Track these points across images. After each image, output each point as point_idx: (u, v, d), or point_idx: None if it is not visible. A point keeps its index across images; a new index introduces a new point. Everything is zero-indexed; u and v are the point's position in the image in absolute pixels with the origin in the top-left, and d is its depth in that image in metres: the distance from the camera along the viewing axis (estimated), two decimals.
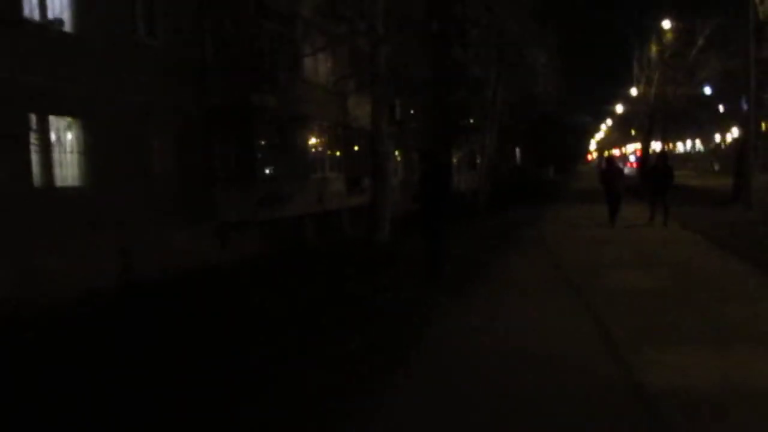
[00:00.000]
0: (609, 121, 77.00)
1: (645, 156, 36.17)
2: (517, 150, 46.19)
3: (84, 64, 10.50)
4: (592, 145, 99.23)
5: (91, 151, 10.81)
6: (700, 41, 30.51)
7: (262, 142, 13.91)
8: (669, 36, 32.13)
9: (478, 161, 25.93)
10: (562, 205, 23.85)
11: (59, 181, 10.41)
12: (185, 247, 12.79)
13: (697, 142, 67.78)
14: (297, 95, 14.63)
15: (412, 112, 27.55)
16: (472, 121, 30.97)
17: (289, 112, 14.47)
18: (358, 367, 4.84)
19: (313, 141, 16.33)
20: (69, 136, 10.71)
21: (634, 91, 40.81)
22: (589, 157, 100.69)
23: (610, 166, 15.58)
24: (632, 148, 77.43)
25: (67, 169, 10.59)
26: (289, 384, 4.55)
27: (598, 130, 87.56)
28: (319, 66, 15.11)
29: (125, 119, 11.45)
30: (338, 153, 17.99)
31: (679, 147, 72.44)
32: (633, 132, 74.17)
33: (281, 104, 14.22)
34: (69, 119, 10.61)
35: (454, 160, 31.86)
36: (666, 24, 31.48)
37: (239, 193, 13.64)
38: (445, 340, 5.67)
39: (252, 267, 12.32)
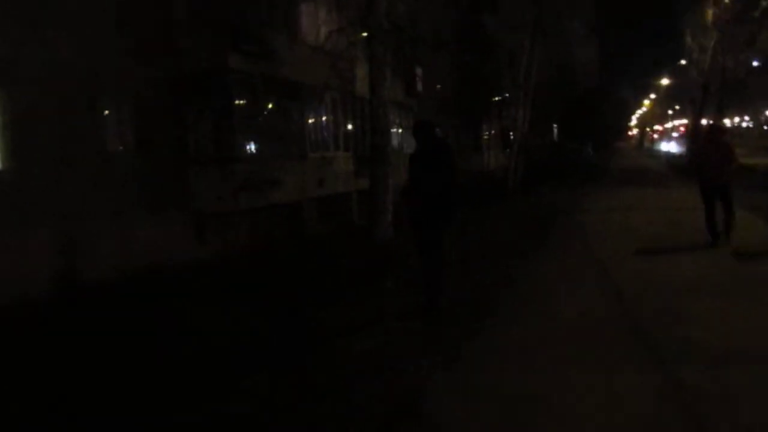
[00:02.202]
0: (652, 95, 72.72)
1: (695, 132, 32.73)
2: (554, 126, 43.08)
3: (4, 13, 8.34)
4: (633, 121, 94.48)
5: (17, 125, 8.67)
6: (765, 3, 27.13)
7: (245, 116, 11.59)
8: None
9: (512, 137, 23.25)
10: (604, 187, 21.06)
11: None
12: (150, 241, 10.66)
13: (746, 117, 63.07)
14: (290, 58, 12.25)
15: (439, 86, 24.95)
16: (507, 95, 28.24)
17: (279, 79, 12.12)
18: None
19: (312, 114, 13.94)
20: None
21: (683, 62, 37.46)
22: (630, 133, 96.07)
23: (710, 143, 8.72)
24: (674, 125, 73.09)
25: None
26: None
27: (640, 105, 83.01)
28: (319, 24, 12.66)
29: (65, 86, 9.27)
30: (344, 128, 15.59)
31: (726, 122, 67.87)
32: (677, 107, 69.92)
33: (269, 69, 11.88)
34: None
35: (485, 136, 29.11)
36: None
37: (217, 178, 11.41)
38: None
39: (220, 268, 10.15)
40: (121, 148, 10.43)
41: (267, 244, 12.57)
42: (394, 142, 18.19)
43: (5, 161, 8.64)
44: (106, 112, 10.23)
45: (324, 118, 14.50)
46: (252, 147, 11.88)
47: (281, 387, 4.17)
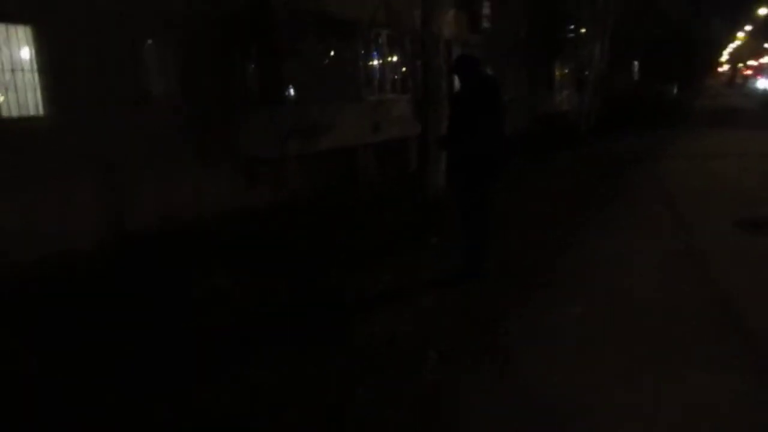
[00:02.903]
0: (747, 27, 66.41)
1: None
2: (635, 64, 40.02)
3: None
4: (725, 57, 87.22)
5: (55, 67, 8.34)
6: None
7: (294, 57, 10.89)
8: None
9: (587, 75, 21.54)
10: (690, 130, 19.23)
11: (13, 110, 8.09)
12: (198, 190, 10.37)
13: None
14: None
15: (508, 22, 23.24)
16: (583, 30, 26.10)
17: (330, 15, 11.28)
18: None
19: (367, 55, 13.07)
20: (25, 51, 8.27)
21: None
22: (720, 69, 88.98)
23: None
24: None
25: (24, 93, 8.23)
26: None
27: (732, 39, 76.21)
28: None
29: (104, 25, 8.83)
30: (404, 69, 14.65)
31: None
32: None
33: (319, 5, 11.04)
34: (21, 27, 8.13)
35: (558, 74, 27.19)
36: None
37: (266, 122, 10.87)
38: None
39: (267, 218, 9.72)
40: (163, 93, 9.99)
41: (319, 191, 12.09)
42: (456, 83, 17.12)
43: (45, 107, 8.36)
44: (150, 53, 9.77)
45: (380, 59, 13.60)
46: (302, 90, 11.21)
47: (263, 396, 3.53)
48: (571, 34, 25.96)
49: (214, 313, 4.77)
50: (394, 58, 14.13)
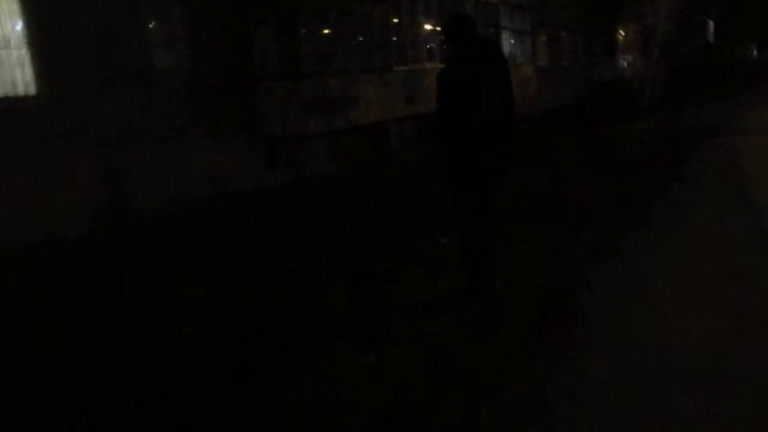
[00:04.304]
0: None
1: None
2: (710, 24, 36.84)
3: None
4: None
5: (45, 40, 7.68)
6: None
7: (314, 25, 9.91)
8: None
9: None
10: None
11: (1, 90, 7.49)
12: (211, 168, 9.66)
13: None
14: None
15: None
16: None
17: None
18: None
19: (397, 20, 11.93)
20: (12, 24, 7.61)
21: None
22: None
23: None
24: None
25: (13, 71, 7.60)
26: None
27: None
28: None
29: None
30: (438, 37, 13.41)
31: None
32: None
33: None
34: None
35: (620, 37, 25.01)
36: None
37: (283, 96, 10.00)
38: None
39: (285, 199, 8.93)
40: (171, 66, 9.23)
41: (346, 171, 11.21)
42: (505, 50, 15.70)
43: (37, 85, 7.73)
44: (153, 23, 9.00)
45: (413, 25, 12.42)
46: (324, 61, 10.23)
47: None
48: None
49: (166, 331, 4.00)
50: (427, 24, 12.91)
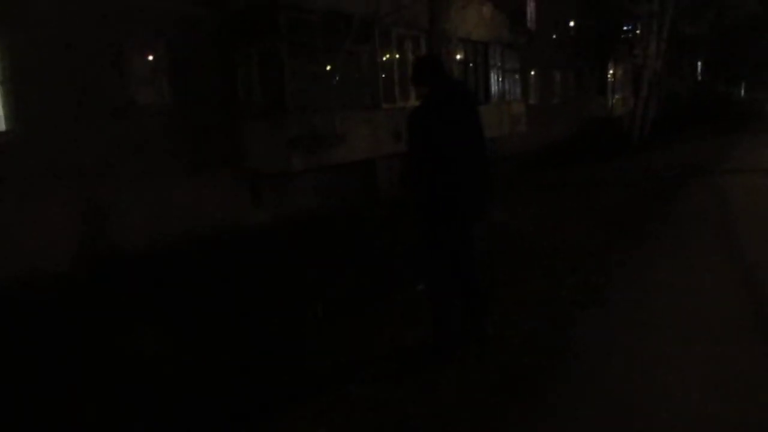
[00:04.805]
0: None
1: None
2: (699, 64, 37.39)
3: None
4: None
5: (22, 77, 7.54)
6: None
7: (299, 60, 9.84)
8: None
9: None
10: (758, 138, 17.13)
11: None
12: (194, 205, 9.46)
13: None
14: None
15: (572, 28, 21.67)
16: (638, 28, 24.18)
17: (340, 14, 10.19)
18: None
19: (385, 58, 11.90)
20: None
21: None
22: None
23: None
24: None
25: None
26: None
27: None
28: None
29: (81, 30, 8.01)
30: None
31: None
32: None
33: (327, 3, 9.99)
34: None
35: (610, 75, 25.20)
36: None
37: (266, 133, 9.88)
38: None
39: (265, 237, 8.73)
40: (153, 102, 9.11)
41: (332, 208, 11.02)
42: (493, 88, 15.74)
43: (10, 121, 7.57)
44: (135, 59, 8.90)
45: (401, 63, 12.39)
46: (310, 97, 10.13)
47: None
48: (627, 33, 24.10)
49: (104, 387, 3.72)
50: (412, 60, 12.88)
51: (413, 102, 12.60)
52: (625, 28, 23.55)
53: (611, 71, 24.83)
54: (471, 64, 14.81)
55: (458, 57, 13.43)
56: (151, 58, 9.18)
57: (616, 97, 25.19)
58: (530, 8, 19.92)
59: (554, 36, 20.99)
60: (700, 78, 36.21)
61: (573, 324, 4.01)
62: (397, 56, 12.35)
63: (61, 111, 7.89)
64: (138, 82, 8.95)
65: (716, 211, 7.34)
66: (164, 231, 9.01)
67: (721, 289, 4.48)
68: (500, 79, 16.06)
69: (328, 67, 10.35)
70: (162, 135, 9.14)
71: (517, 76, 17.22)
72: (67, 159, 7.95)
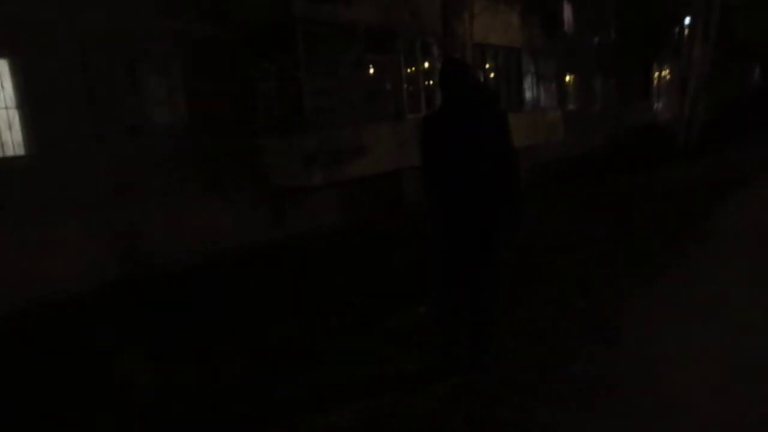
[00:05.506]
0: None
1: None
2: (757, 66, 35.57)
3: None
4: None
5: (37, 101, 7.60)
6: None
7: (318, 74, 9.67)
8: None
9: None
10: None
11: None
12: (212, 224, 9.37)
13: None
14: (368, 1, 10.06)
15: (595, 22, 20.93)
16: (685, 29, 23.13)
17: (358, 24, 9.98)
18: None
19: (410, 69, 11.63)
20: (2, 86, 7.56)
21: None
22: None
23: None
24: None
25: (2, 132, 7.51)
26: None
27: None
28: None
29: (95, 52, 8.05)
30: None
31: None
32: None
33: (346, 15, 9.81)
34: None
35: (655, 80, 24.18)
36: None
37: (285, 148, 9.73)
38: None
39: (287, 255, 8.52)
40: (169, 120, 9.09)
41: (355, 223, 10.77)
42: (527, 95, 15.25)
43: (26, 146, 7.62)
44: (150, 78, 8.90)
45: (427, 73, 12.09)
46: (332, 110, 9.95)
47: None
48: (672, 35, 23.10)
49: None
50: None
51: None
52: (671, 30, 22.58)
53: (656, 75, 23.84)
54: (503, 71, 14.40)
55: (487, 64, 13.04)
56: (167, 76, 9.18)
57: (661, 102, 24.16)
58: (567, 12, 19.28)
59: (595, 40, 20.30)
60: (757, 82, 34.47)
61: (577, 357, 3.60)
62: (426, 65, 12.06)
63: (78, 133, 7.92)
64: (154, 101, 8.96)
65: (757, 228, 6.69)
66: (183, 250, 8.94)
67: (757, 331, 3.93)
68: (534, 85, 15.56)
69: (350, 80, 10.15)
70: (180, 154, 9.10)
71: (553, 83, 16.67)
72: (83, 181, 7.98)
